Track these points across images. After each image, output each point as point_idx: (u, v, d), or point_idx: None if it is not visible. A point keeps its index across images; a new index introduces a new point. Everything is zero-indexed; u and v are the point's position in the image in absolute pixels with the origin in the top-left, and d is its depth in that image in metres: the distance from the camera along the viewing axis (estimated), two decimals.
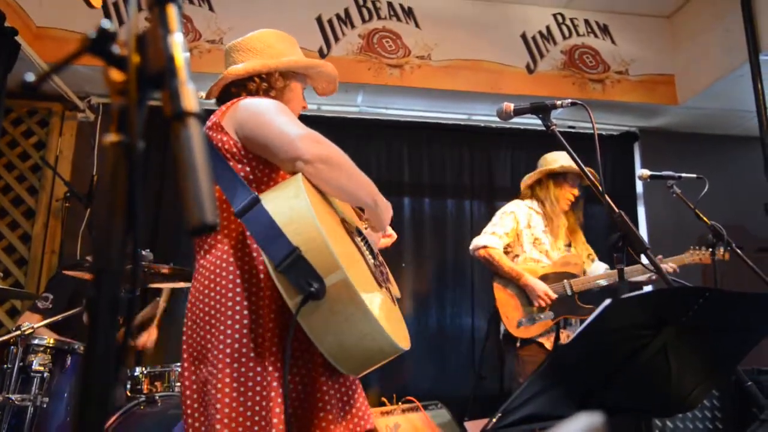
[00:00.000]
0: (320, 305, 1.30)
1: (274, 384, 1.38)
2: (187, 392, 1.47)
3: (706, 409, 3.41)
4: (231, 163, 1.53)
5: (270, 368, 1.40)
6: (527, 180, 3.30)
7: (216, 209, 0.53)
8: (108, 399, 0.58)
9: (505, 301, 3.05)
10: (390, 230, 2.04)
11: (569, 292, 3.03)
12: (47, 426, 2.39)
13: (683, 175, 2.79)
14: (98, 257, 0.57)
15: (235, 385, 1.38)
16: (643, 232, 4.45)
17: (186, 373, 1.48)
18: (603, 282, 3.08)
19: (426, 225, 4.34)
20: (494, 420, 1.24)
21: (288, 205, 1.37)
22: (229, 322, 1.43)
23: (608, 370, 1.33)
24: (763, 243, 3.76)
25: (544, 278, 3.04)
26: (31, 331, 2.41)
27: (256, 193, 1.41)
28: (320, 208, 1.43)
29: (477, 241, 3.16)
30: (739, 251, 2.51)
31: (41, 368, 2.39)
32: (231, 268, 1.48)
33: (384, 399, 3.25)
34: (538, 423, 1.43)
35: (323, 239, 1.30)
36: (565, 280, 3.05)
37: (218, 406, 1.36)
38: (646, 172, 2.83)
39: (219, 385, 1.38)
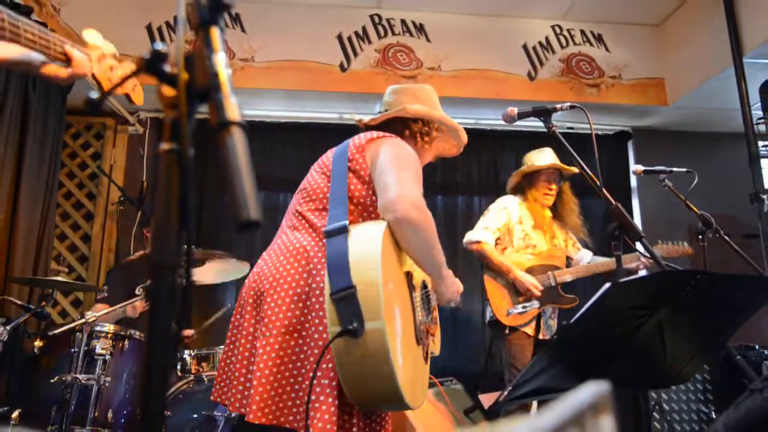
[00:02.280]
0: (355, 345, 1.28)
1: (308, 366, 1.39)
2: (242, 340, 1.48)
3: (698, 382, 3.37)
4: (354, 181, 1.54)
5: (308, 353, 1.40)
6: (509, 184, 3.23)
7: (259, 207, 0.54)
8: (168, 378, 0.59)
9: (495, 291, 2.98)
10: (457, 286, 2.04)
11: (553, 283, 2.97)
12: (109, 402, 2.44)
13: (674, 169, 2.74)
14: (156, 252, 0.58)
15: (279, 354, 1.40)
16: (637, 222, 4.39)
17: (238, 324, 1.50)
18: (569, 278, 3.02)
19: (439, 219, 4.30)
20: (506, 393, 1.25)
21: (364, 245, 1.37)
22: (288, 299, 1.44)
23: (608, 347, 1.32)
24: (748, 230, 3.68)
25: (530, 270, 2.97)
26: (94, 319, 2.46)
27: (347, 222, 1.43)
28: (390, 258, 1.43)
29: (470, 236, 3.07)
30: (727, 237, 2.47)
31: (103, 351, 2.43)
32: (311, 255, 1.49)
33: None
34: (545, 395, 1.42)
35: (378, 288, 1.29)
36: (549, 272, 2.98)
37: (261, 365, 1.38)
38: (640, 168, 2.79)
39: (268, 349, 1.40)
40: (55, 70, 1.27)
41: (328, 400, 1.33)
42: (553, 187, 3.09)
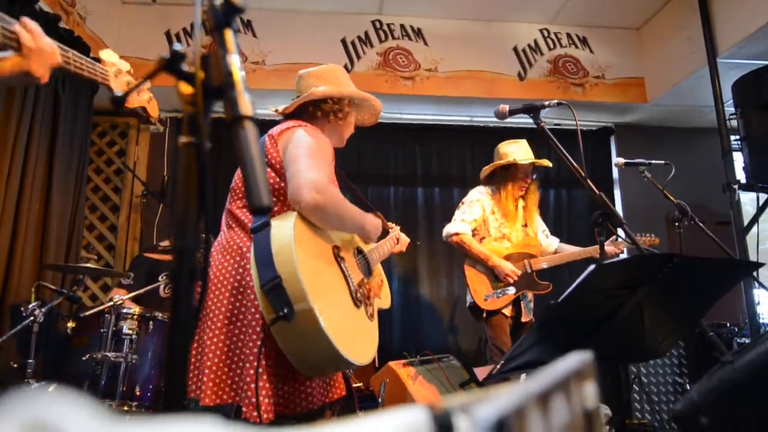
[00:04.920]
0: (291, 327, 1.33)
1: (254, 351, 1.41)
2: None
3: (674, 357, 3.38)
4: (272, 174, 1.54)
5: (254, 337, 1.42)
6: (483, 173, 3.15)
7: (270, 194, 0.54)
8: (189, 348, 0.60)
9: (474, 278, 2.94)
10: (402, 239, 2.09)
11: (529, 270, 2.93)
12: (136, 377, 2.45)
13: (653, 162, 2.74)
14: (178, 237, 0.58)
15: (225, 342, 1.44)
16: (619, 210, 4.39)
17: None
18: (545, 265, 2.98)
19: (436, 210, 4.33)
20: (498, 366, 1.25)
21: (281, 236, 1.39)
22: (227, 292, 1.48)
23: (593, 324, 1.33)
24: (721, 218, 3.67)
25: (508, 258, 2.93)
26: (121, 302, 2.47)
27: (269, 218, 1.44)
28: (308, 241, 1.45)
29: (449, 229, 3.01)
30: (701, 224, 2.47)
31: (130, 332, 2.45)
32: (243, 250, 1.52)
33: (405, 353, 3.26)
34: (534, 368, 1.43)
35: (297, 274, 1.32)
36: (525, 260, 2.95)
37: (210, 355, 1.42)
38: (621, 160, 2.78)
39: (215, 339, 1.43)
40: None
41: (270, 378, 1.39)
42: (528, 180, 3.04)
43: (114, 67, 1.31)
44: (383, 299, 1.87)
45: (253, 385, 1.34)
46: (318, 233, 1.53)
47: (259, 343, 1.38)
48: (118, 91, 0.62)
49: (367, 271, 1.76)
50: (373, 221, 1.68)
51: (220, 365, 1.41)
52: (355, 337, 1.50)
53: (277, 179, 1.55)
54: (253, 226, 1.44)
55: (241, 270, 1.49)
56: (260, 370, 1.37)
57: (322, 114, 1.72)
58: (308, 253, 1.43)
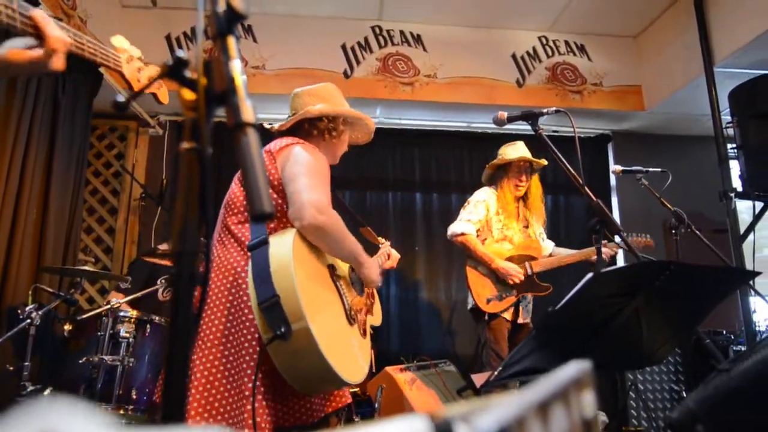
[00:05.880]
0: (287, 345, 1.32)
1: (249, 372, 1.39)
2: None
3: (671, 364, 3.38)
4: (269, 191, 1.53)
5: (247, 358, 1.40)
6: (484, 176, 3.21)
7: (271, 200, 0.54)
8: (189, 353, 0.60)
9: (476, 280, 2.94)
10: (392, 255, 2.09)
11: (530, 272, 2.94)
12: (133, 381, 2.44)
13: (650, 169, 2.75)
14: (178, 241, 0.58)
15: (214, 363, 1.42)
16: (616, 218, 4.39)
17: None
18: (555, 266, 2.99)
19: (434, 215, 4.33)
20: (496, 373, 1.25)
21: (280, 254, 1.39)
22: (220, 313, 1.47)
23: (590, 331, 1.33)
24: (717, 225, 3.68)
25: (509, 260, 2.94)
26: (118, 305, 2.46)
27: (267, 235, 1.44)
28: (306, 259, 1.45)
29: (454, 228, 3.02)
30: (698, 232, 2.48)
31: (127, 335, 2.43)
32: (237, 270, 1.50)
33: (402, 358, 3.26)
34: (531, 375, 1.43)
35: (295, 293, 1.32)
36: (527, 262, 2.95)
37: (197, 374, 1.39)
38: (619, 168, 2.78)
39: (204, 360, 1.41)
40: (20, 53, 1.01)
41: (268, 396, 1.37)
42: (524, 179, 3.05)
43: (125, 54, 1.29)
44: (375, 316, 1.88)
45: (249, 407, 1.32)
46: (315, 252, 1.53)
47: (254, 363, 1.36)
48: (119, 95, 0.62)
49: (360, 288, 1.77)
50: (374, 266, 1.68)
51: (209, 387, 1.38)
52: (349, 356, 1.50)
53: (279, 198, 1.55)
54: (251, 243, 1.43)
55: (234, 291, 1.47)
56: (258, 383, 1.35)
57: (317, 132, 1.73)
58: (306, 271, 1.42)
